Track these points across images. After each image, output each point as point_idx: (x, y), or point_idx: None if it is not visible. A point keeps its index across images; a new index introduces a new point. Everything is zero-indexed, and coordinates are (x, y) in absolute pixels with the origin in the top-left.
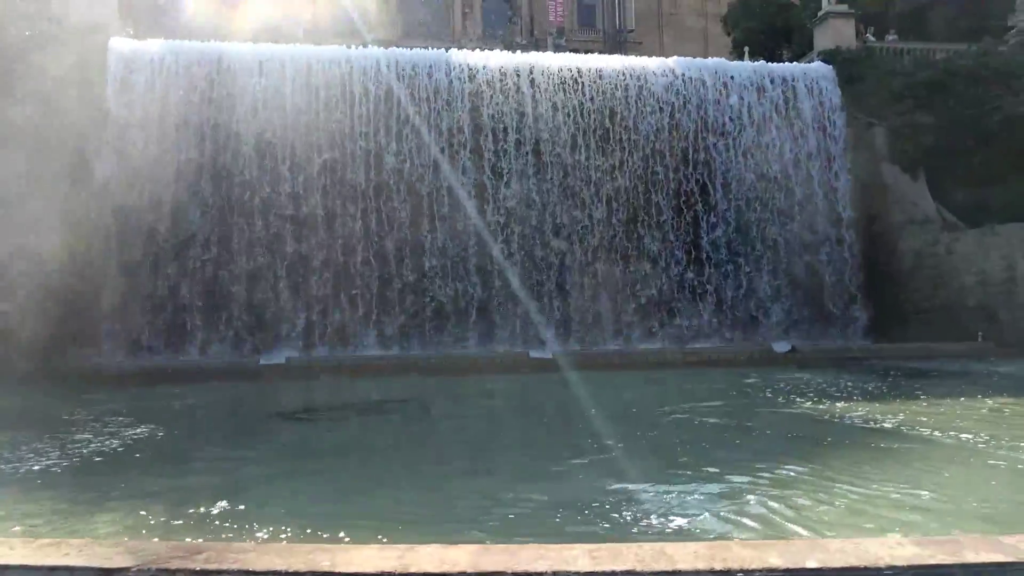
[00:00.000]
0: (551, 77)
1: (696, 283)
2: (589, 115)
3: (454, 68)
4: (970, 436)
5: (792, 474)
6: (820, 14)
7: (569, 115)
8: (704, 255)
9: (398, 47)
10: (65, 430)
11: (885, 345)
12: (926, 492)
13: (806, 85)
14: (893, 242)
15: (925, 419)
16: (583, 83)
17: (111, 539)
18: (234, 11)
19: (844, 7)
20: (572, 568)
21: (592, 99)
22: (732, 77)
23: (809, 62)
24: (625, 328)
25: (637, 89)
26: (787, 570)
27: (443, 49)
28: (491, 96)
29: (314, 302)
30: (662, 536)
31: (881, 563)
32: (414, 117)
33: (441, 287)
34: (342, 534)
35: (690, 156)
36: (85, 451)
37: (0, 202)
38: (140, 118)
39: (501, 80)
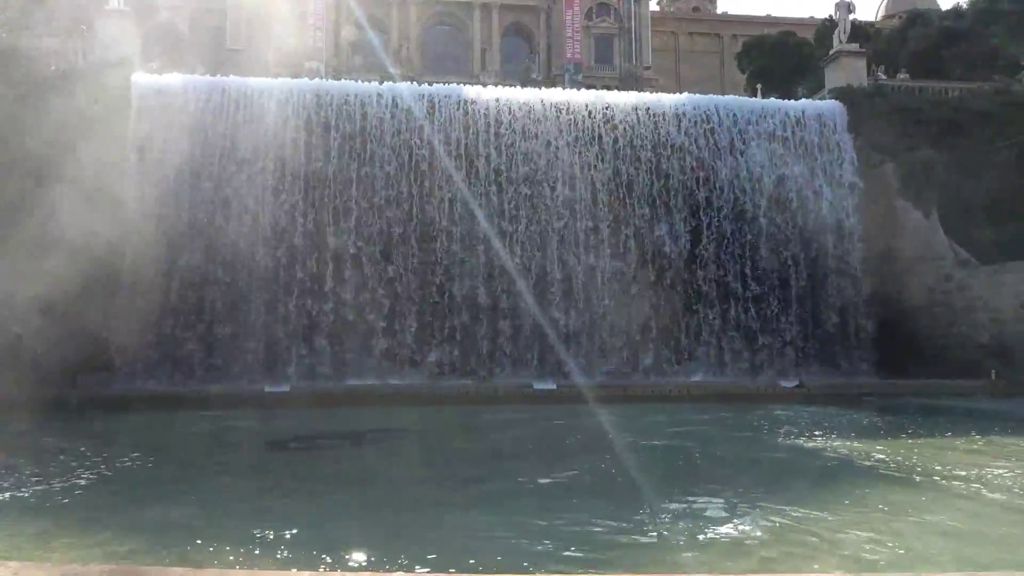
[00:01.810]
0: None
1: (703, 318)
2: (601, 150)
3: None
4: (953, 473)
5: (755, 506)
6: (832, 52)
7: (580, 150)
8: (711, 290)
9: (417, 82)
10: (63, 458)
11: (894, 381)
12: (893, 530)
13: (817, 122)
14: (905, 278)
15: (905, 455)
16: (596, 118)
17: (65, 564)
18: (258, 47)
19: (855, 46)
20: None
21: (604, 134)
22: (743, 114)
23: (821, 99)
24: (633, 362)
25: (650, 124)
26: None
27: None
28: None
29: (322, 332)
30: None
31: None
32: (435, 147)
33: (453, 317)
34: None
35: (699, 192)
36: (74, 479)
37: (15, 226)
38: (159, 148)
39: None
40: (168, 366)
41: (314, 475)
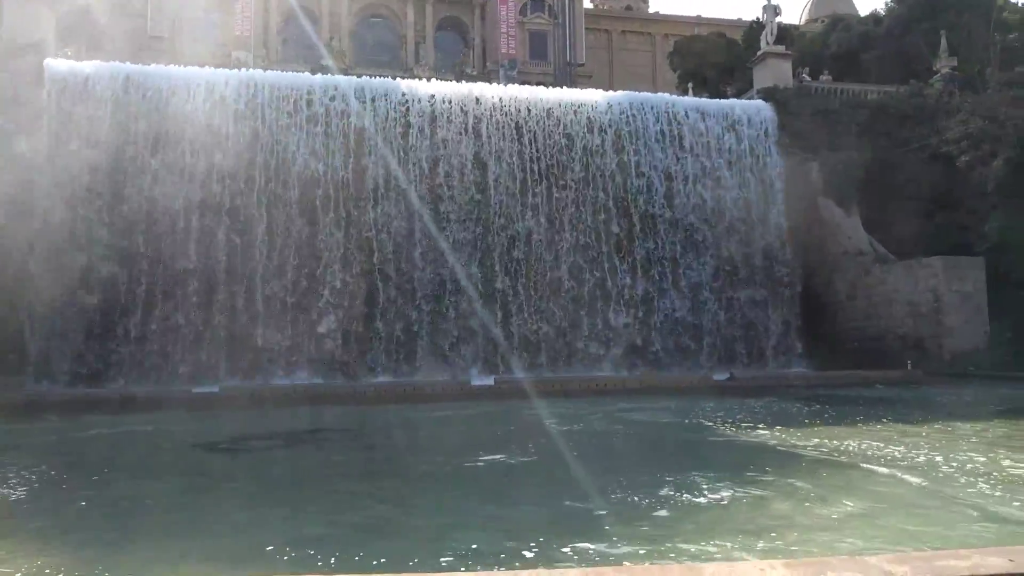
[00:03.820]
0: (501, 108)
1: (636, 313)
2: (534, 147)
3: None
4: (867, 455)
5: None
6: (759, 53)
7: (514, 146)
8: (644, 285)
9: (348, 75)
10: None
11: (820, 373)
12: (808, 510)
13: (745, 120)
14: (828, 273)
15: (823, 440)
16: (532, 114)
17: None
18: (181, 36)
19: (781, 48)
20: None
21: (540, 131)
22: (674, 111)
23: (750, 99)
24: (571, 356)
25: (582, 121)
26: None
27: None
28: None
29: (253, 328)
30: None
31: None
32: (366, 130)
33: (392, 313)
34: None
35: (631, 187)
36: None
37: None
38: (74, 135)
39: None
40: (90, 368)
41: (247, 476)
